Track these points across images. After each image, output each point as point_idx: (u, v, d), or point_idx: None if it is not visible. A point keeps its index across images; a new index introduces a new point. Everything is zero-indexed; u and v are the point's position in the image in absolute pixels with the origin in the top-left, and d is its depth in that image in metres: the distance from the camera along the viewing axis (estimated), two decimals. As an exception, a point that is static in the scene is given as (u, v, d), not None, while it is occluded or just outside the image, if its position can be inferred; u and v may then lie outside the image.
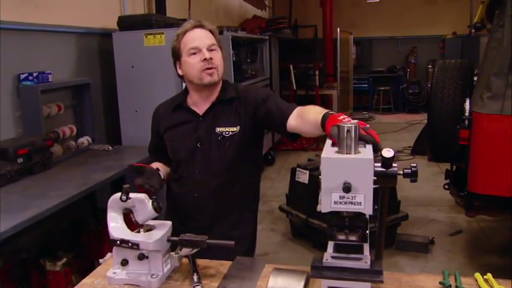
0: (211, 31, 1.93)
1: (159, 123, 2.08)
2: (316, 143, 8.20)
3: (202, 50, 1.88)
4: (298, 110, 1.79)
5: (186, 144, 1.97)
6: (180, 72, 1.99)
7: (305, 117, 1.68)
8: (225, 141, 1.92)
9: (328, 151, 1.18)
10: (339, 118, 1.34)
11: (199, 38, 1.89)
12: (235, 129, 1.92)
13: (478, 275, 1.51)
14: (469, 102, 3.29)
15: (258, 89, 2.07)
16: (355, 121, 1.27)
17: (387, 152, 1.16)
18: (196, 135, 1.95)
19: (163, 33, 3.76)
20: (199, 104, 1.99)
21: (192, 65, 1.89)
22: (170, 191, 2.11)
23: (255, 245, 2.17)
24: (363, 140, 1.20)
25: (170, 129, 2.03)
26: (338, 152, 1.16)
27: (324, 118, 1.43)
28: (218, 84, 1.98)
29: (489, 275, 1.50)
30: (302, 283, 1.42)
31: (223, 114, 1.95)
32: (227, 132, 1.92)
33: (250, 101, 1.93)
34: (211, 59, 1.88)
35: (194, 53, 1.88)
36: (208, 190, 1.97)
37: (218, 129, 1.93)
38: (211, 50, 1.90)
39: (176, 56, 1.95)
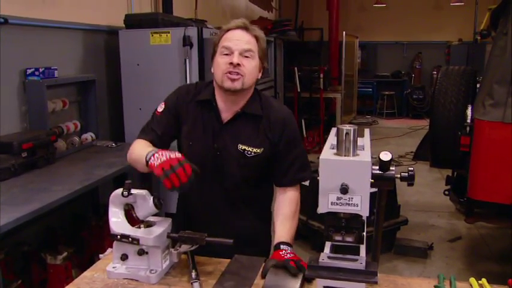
0: (256, 37, 1.78)
1: (182, 108, 1.87)
2: (318, 146, 8.22)
3: (234, 52, 1.73)
4: (289, 198, 1.86)
5: (206, 152, 1.84)
6: (212, 70, 1.83)
7: (277, 215, 1.84)
8: (246, 160, 1.82)
9: (327, 153, 1.20)
10: (280, 254, 1.60)
11: (235, 40, 1.74)
12: (258, 150, 1.81)
13: (473, 280, 1.52)
14: (471, 109, 3.30)
15: (288, 121, 1.88)
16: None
17: (385, 155, 1.18)
18: (217, 146, 1.83)
19: (169, 32, 3.78)
20: (223, 109, 1.84)
21: (218, 64, 1.75)
22: (180, 201, 2.04)
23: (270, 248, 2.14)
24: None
25: (189, 125, 1.87)
26: (336, 154, 1.18)
27: (275, 247, 1.69)
28: (245, 94, 1.83)
29: (484, 280, 1.52)
30: (298, 282, 1.44)
31: (247, 130, 1.83)
32: (249, 152, 1.81)
33: (285, 135, 1.84)
34: (238, 65, 1.72)
35: (226, 54, 1.74)
36: (226, 202, 1.90)
37: (241, 147, 1.81)
38: (245, 56, 1.74)
39: (213, 52, 1.81)
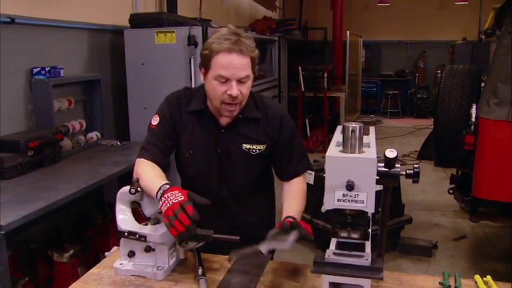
0: (251, 58, 1.71)
1: (176, 117, 1.85)
2: (322, 145, 8.23)
3: (231, 82, 1.67)
4: (296, 186, 1.87)
5: (209, 158, 1.85)
6: (202, 79, 1.79)
7: (285, 199, 1.84)
8: (252, 159, 1.85)
9: (333, 150, 1.21)
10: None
11: (232, 68, 1.66)
12: (262, 147, 1.85)
13: (477, 277, 1.53)
14: (476, 107, 3.31)
15: (285, 117, 1.92)
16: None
17: (390, 153, 1.19)
18: (221, 150, 1.84)
19: (174, 32, 3.80)
20: (218, 115, 1.83)
21: (215, 90, 1.71)
22: None
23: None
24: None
25: (188, 135, 1.85)
26: (342, 151, 1.19)
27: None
28: None
29: (489, 278, 1.53)
30: (291, 236, 1.47)
31: (248, 130, 1.84)
32: (254, 150, 1.84)
33: (284, 131, 1.88)
34: (237, 96, 1.69)
35: (222, 81, 1.68)
36: (231, 203, 1.92)
37: (245, 146, 1.83)
38: (242, 82, 1.70)
39: (204, 65, 1.75)
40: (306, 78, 8.41)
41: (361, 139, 1.18)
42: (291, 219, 1.59)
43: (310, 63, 8.88)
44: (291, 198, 1.83)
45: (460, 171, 3.97)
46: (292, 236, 1.46)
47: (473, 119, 3.27)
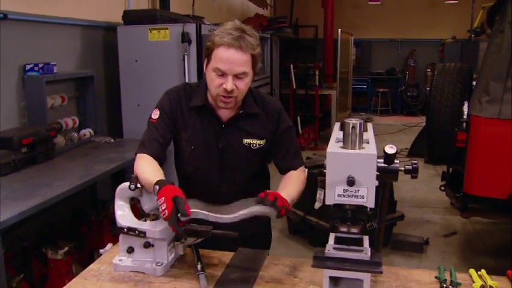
0: (252, 55, 1.72)
1: (177, 112, 1.86)
2: (314, 142, 8.26)
3: (228, 76, 1.70)
4: (291, 173, 1.89)
5: (210, 154, 1.87)
6: (204, 69, 1.81)
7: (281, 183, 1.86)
8: (252, 153, 1.88)
9: (333, 146, 1.23)
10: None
11: (230, 63, 1.68)
12: (262, 142, 1.88)
13: (472, 271, 1.57)
14: (468, 105, 3.35)
15: (283, 111, 1.96)
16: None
17: (389, 149, 1.21)
18: (222, 145, 1.86)
19: (167, 29, 3.79)
20: (220, 109, 1.84)
21: (212, 82, 1.74)
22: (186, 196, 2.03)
23: (271, 241, 2.17)
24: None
25: (189, 131, 1.87)
26: (343, 147, 1.21)
27: None
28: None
29: (483, 271, 1.56)
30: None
31: (248, 125, 1.87)
32: (255, 145, 1.87)
33: (281, 124, 1.91)
34: (232, 91, 1.71)
35: (219, 74, 1.71)
36: (230, 199, 1.88)
37: (246, 141, 1.86)
38: (239, 78, 1.72)
39: (206, 56, 1.77)
40: (298, 76, 8.43)
41: (361, 135, 1.20)
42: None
43: (301, 60, 8.91)
44: (283, 182, 1.86)
45: (451, 168, 4.01)
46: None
47: (465, 117, 3.31)
